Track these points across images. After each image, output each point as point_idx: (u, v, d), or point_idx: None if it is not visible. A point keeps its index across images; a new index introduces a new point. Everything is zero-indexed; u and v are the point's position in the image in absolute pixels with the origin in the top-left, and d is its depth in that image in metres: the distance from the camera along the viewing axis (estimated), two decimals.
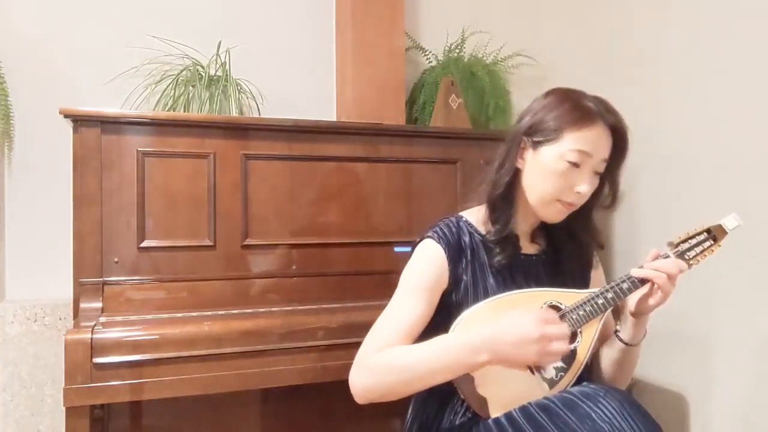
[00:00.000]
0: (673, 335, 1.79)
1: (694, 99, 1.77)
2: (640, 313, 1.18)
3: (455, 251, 1.21)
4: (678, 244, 1.18)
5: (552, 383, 1.13)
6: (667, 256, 1.17)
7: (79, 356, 1.34)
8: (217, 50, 2.08)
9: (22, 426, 1.89)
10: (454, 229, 1.23)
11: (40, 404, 1.91)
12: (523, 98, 2.40)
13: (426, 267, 1.20)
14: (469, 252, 1.22)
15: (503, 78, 2.36)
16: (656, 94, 1.90)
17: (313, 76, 2.26)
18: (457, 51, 2.35)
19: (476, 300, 1.18)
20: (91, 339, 1.36)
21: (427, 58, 2.34)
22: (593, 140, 1.16)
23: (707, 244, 1.18)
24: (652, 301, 1.15)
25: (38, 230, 1.97)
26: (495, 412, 1.11)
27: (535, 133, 1.19)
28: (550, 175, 1.17)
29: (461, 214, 1.28)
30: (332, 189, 1.77)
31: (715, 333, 1.69)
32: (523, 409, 1.07)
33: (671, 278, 1.13)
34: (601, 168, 1.19)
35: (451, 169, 1.89)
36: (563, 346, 1.06)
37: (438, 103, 2.13)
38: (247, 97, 2.13)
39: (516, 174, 1.22)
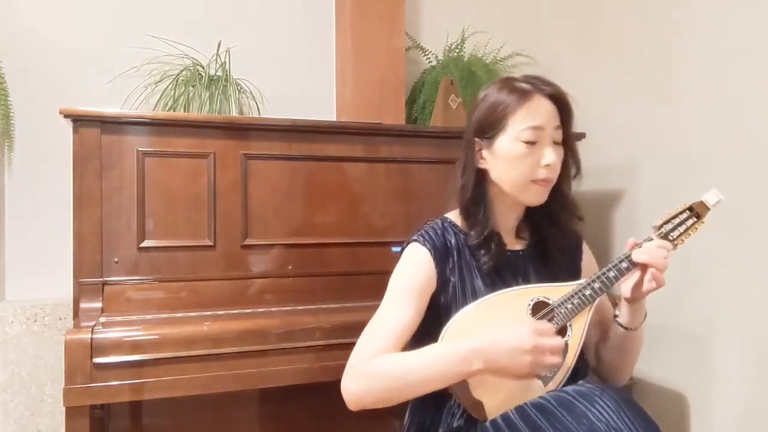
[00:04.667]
0: (673, 335, 1.79)
1: (694, 96, 1.77)
2: (635, 299, 1.18)
3: (441, 253, 1.21)
4: (661, 226, 1.18)
5: (546, 380, 1.13)
6: (651, 239, 1.16)
7: (79, 356, 1.34)
8: (217, 50, 2.09)
9: (22, 426, 1.89)
10: (439, 231, 1.24)
11: (40, 404, 1.91)
12: None
13: (414, 270, 1.20)
14: (455, 253, 1.22)
15: None
16: (656, 91, 1.90)
17: (313, 76, 2.26)
18: (457, 51, 2.35)
19: (465, 301, 1.18)
20: (91, 339, 1.36)
21: (427, 58, 2.34)
22: (538, 113, 1.17)
23: (690, 222, 1.18)
24: (645, 287, 1.14)
25: (38, 230, 1.97)
26: (491, 414, 1.11)
27: (484, 131, 1.21)
28: (514, 161, 1.18)
29: (446, 215, 1.29)
30: (332, 189, 1.76)
31: (715, 333, 1.69)
32: (519, 410, 1.06)
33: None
34: (559, 136, 1.20)
35: (450, 169, 1.87)
36: (556, 359, 1.07)
37: (438, 103, 2.13)
38: (247, 97, 2.13)
39: (482, 175, 1.23)
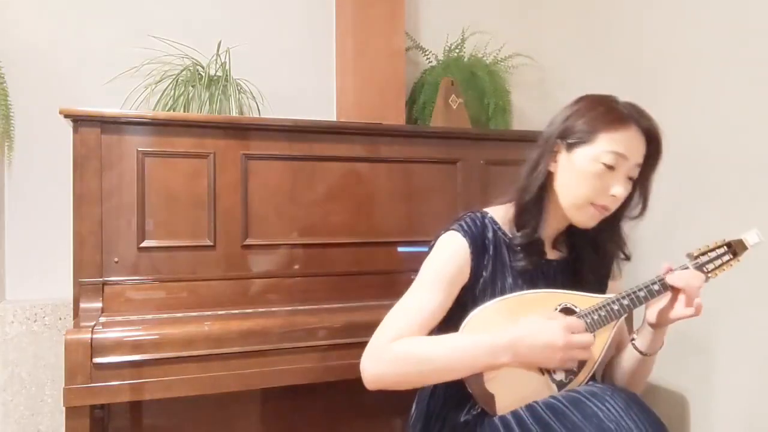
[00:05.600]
0: (674, 336, 1.79)
1: (696, 100, 1.77)
2: (659, 325, 1.18)
3: (479, 246, 1.19)
4: (698, 256, 1.17)
5: (561, 385, 1.13)
6: (686, 268, 1.16)
7: (79, 356, 1.34)
8: (217, 50, 2.09)
9: (22, 426, 1.89)
10: (479, 224, 1.22)
11: (40, 404, 1.91)
12: (523, 98, 2.41)
13: (449, 259, 1.18)
14: (491, 248, 1.20)
15: (503, 78, 2.36)
16: (658, 94, 1.90)
17: (313, 76, 2.26)
18: (457, 51, 2.35)
19: (493, 297, 1.17)
20: (91, 339, 1.36)
21: (427, 58, 2.34)
22: (628, 142, 1.14)
23: (726, 258, 1.17)
24: (679, 313, 1.14)
25: (38, 230, 1.97)
26: (502, 409, 1.11)
27: (569, 136, 1.18)
28: (585, 178, 1.15)
29: (486, 210, 1.26)
30: (332, 189, 1.76)
31: (717, 334, 1.69)
32: (530, 408, 1.07)
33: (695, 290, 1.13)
34: (635, 173, 1.17)
35: (451, 169, 1.88)
36: (586, 354, 1.08)
37: (438, 103, 2.13)
38: (247, 97, 2.13)
39: (548, 178, 1.20)
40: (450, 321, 1.16)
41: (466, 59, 2.34)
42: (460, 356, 1.08)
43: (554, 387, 1.12)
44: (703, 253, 1.18)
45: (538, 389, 1.11)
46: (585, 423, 1.00)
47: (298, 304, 1.64)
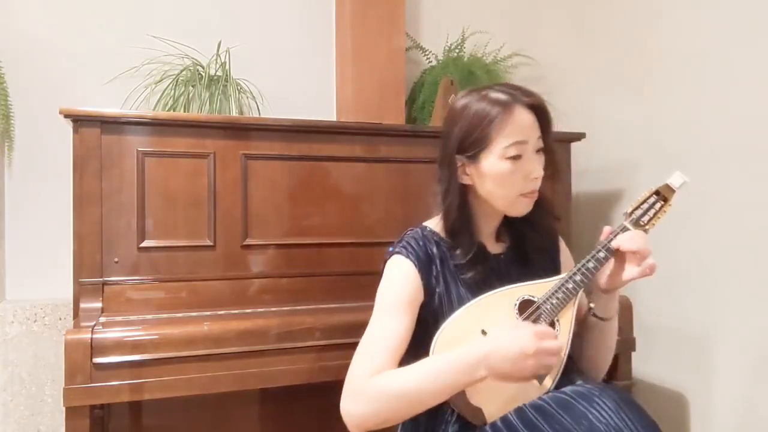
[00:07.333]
0: (673, 335, 1.79)
1: (694, 96, 1.77)
2: (612, 289, 1.19)
3: (425, 263, 1.20)
4: (632, 212, 1.20)
5: (541, 378, 1.12)
6: (626, 228, 1.18)
7: (79, 356, 1.34)
8: (217, 50, 2.09)
9: (22, 426, 1.89)
10: (420, 242, 1.22)
11: (40, 404, 1.91)
12: None
13: (400, 284, 1.19)
14: (438, 261, 1.21)
15: (502, 78, 2.36)
16: (655, 91, 1.90)
17: (313, 76, 2.26)
18: (457, 51, 2.35)
19: (452, 309, 1.17)
20: (91, 339, 1.36)
21: (427, 58, 2.34)
22: (520, 126, 1.15)
23: (658, 205, 1.20)
24: (626, 275, 1.15)
25: (38, 230, 1.98)
26: (491, 417, 1.10)
27: (467, 148, 1.18)
28: (503, 177, 1.16)
29: (425, 224, 1.27)
30: (332, 189, 1.76)
31: (715, 332, 1.69)
32: (519, 412, 1.06)
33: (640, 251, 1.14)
34: (540, 144, 1.18)
35: None
36: (556, 360, 1.07)
37: (437, 103, 2.13)
38: (247, 97, 2.13)
39: (465, 190, 1.22)
40: (417, 341, 1.15)
41: (465, 59, 2.34)
42: (441, 379, 1.06)
43: (534, 381, 1.11)
44: (636, 207, 1.20)
45: (520, 389, 1.10)
46: (574, 425, 0.99)
47: (296, 305, 1.63)
